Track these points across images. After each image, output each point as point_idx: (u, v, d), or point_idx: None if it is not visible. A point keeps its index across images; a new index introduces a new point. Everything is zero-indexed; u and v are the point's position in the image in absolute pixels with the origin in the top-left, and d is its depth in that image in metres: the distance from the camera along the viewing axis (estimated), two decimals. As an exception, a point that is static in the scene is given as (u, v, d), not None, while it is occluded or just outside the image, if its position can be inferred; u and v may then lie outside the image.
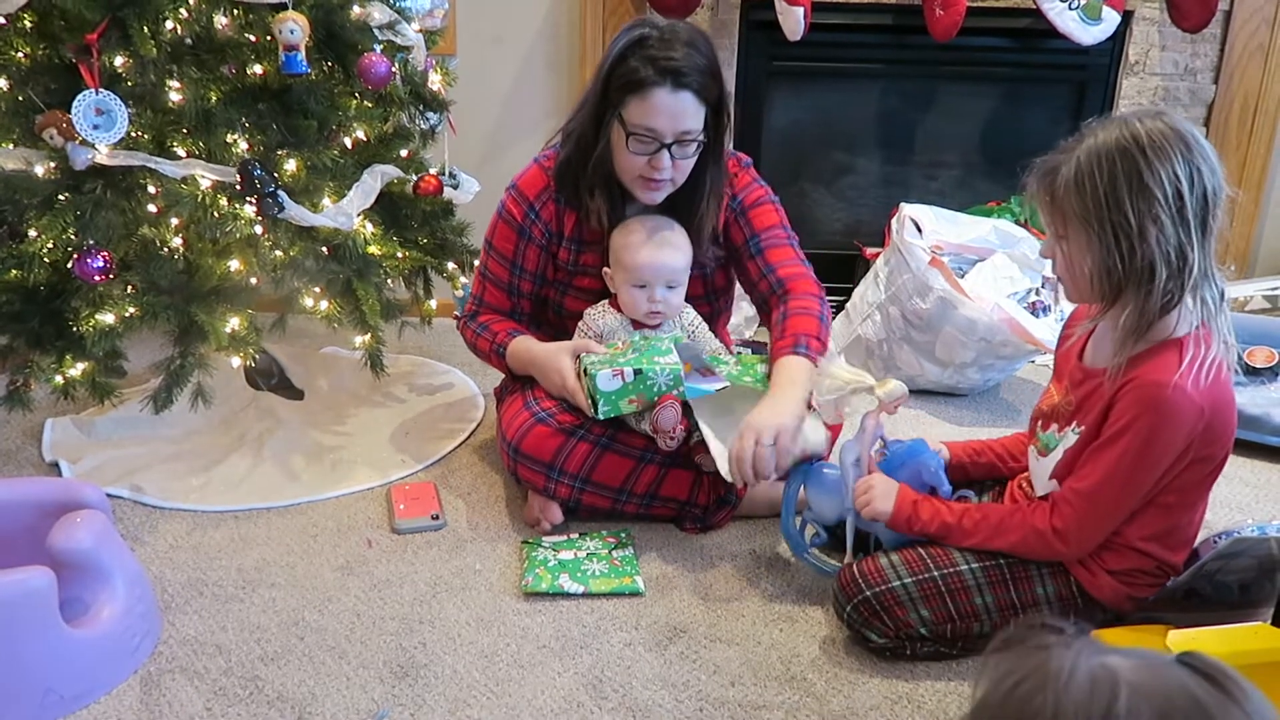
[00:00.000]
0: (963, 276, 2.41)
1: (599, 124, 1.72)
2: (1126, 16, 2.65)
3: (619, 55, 1.67)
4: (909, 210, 2.49)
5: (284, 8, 1.80)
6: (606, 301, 1.85)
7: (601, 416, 1.68)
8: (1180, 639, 1.26)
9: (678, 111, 1.66)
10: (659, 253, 1.75)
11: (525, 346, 1.83)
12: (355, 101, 2.01)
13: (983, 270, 2.45)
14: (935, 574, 1.46)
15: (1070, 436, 1.44)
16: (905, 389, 1.55)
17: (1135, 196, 1.28)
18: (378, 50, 1.95)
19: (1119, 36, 2.67)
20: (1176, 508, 1.41)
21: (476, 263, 1.96)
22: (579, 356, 1.74)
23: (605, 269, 1.82)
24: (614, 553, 1.73)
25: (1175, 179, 1.27)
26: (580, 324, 1.85)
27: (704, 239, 1.83)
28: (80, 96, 1.68)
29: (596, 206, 1.78)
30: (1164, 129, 1.29)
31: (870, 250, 2.77)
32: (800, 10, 2.48)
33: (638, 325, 1.82)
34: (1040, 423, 1.53)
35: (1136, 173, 1.28)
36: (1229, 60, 2.71)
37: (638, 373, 1.65)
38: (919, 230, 2.46)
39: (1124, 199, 1.28)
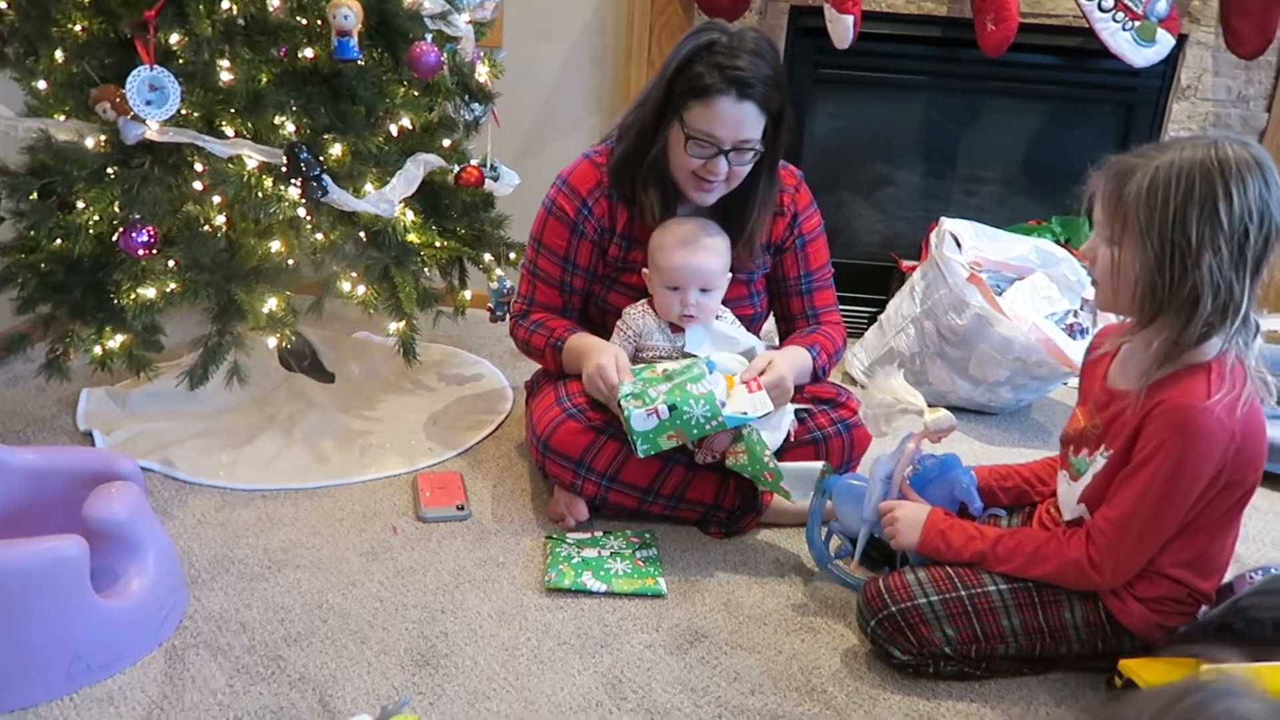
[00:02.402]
0: (1000, 294, 2.39)
1: (659, 123, 1.72)
2: (1180, 40, 2.62)
3: (686, 59, 1.67)
4: (949, 225, 2.47)
5: (338, -8, 1.80)
6: (645, 301, 1.84)
7: (642, 455, 1.64)
8: (1212, 675, 1.24)
9: (739, 121, 1.66)
10: (693, 256, 1.75)
11: (581, 343, 1.81)
12: (403, 90, 2.01)
13: (1021, 289, 2.43)
14: (962, 593, 1.45)
15: (1099, 461, 1.42)
16: (953, 421, 1.54)
17: (1203, 222, 1.26)
18: (428, 40, 1.96)
19: (1172, 60, 2.63)
20: (1207, 534, 1.40)
21: (523, 261, 1.96)
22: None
23: (644, 269, 1.82)
24: (638, 553, 1.73)
25: (1247, 213, 1.26)
26: (619, 322, 1.85)
27: (755, 247, 1.83)
28: (135, 72, 1.70)
29: (650, 203, 1.78)
30: (1249, 159, 1.27)
31: (907, 263, 2.75)
32: (850, 18, 2.47)
33: (675, 328, 1.82)
34: (1071, 447, 1.51)
35: (1212, 199, 1.25)
36: (1284, 89, 2.67)
37: (672, 408, 1.61)
38: (958, 245, 2.44)
39: (1191, 222, 1.26)
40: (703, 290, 1.77)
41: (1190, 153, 1.28)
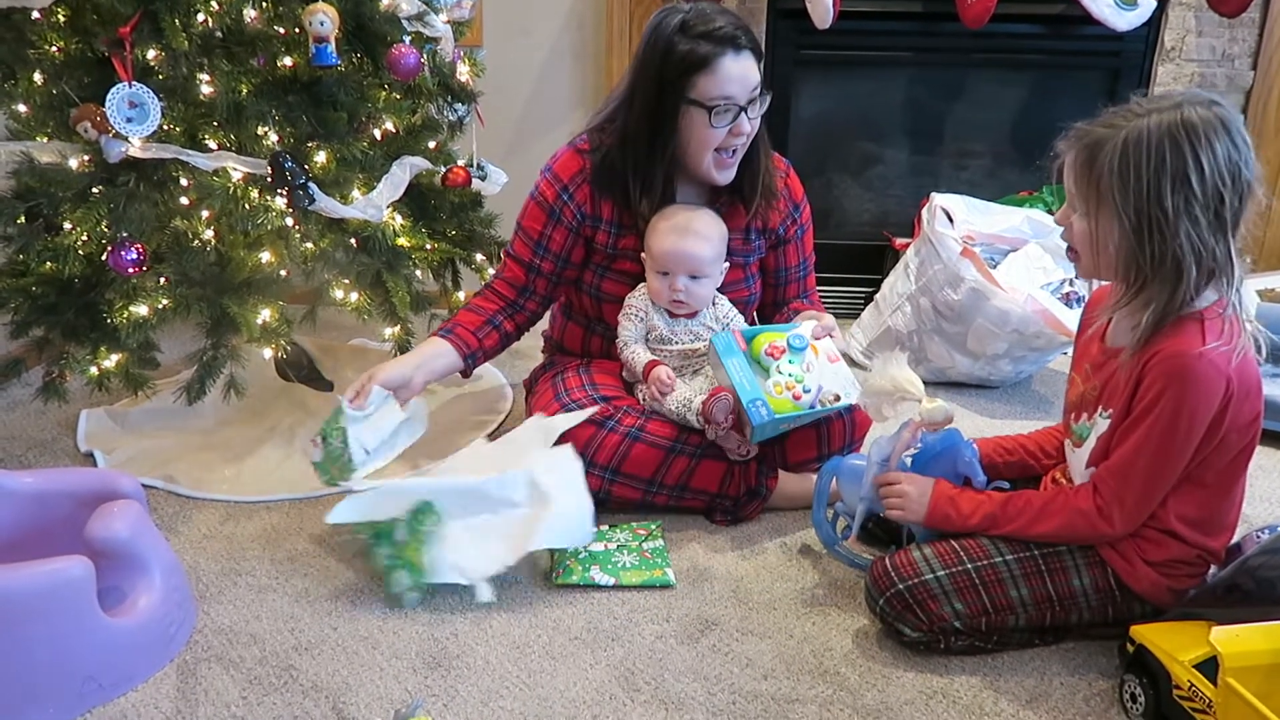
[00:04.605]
0: (995, 267, 2.39)
1: (660, 118, 1.72)
2: (1162, 2, 2.61)
3: (666, 46, 1.69)
4: (940, 200, 2.47)
5: (313, -1, 1.80)
6: (645, 284, 1.85)
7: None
8: (1223, 636, 1.25)
9: (745, 72, 1.70)
10: (683, 241, 1.76)
11: (421, 347, 1.85)
12: (384, 93, 2.01)
13: (1015, 261, 2.42)
14: (969, 566, 1.45)
15: (1100, 422, 1.42)
16: (949, 414, 1.54)
17: (1176, 193, 1.26)
18: (406, 42, 1.95)
19: (1154, 22, 2.63)
20: (1212, 490, 1.40)
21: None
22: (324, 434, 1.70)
23: (643, 253, 1.83)
24: (644, 545, 1.73)
25: (1219, 176, 1.25)
26: (625, 307, 1.85)
27: (773, 193, 1.86)
28: (114, 90, 1.69)
29: (645, 207, 1.80)
30: (1214, 121, 1.26)
31: (900, 241, 2.75)
32: (830, -2, 2.46)
33: (675, 314, 1.82)
34: (1072, 415, 1.51)
35: (1183, 167, 1.25)
36: (1268, 46, 2.67)
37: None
38: (950, 220, 2.43)
39: (1165, 193, 1.26)
40: (692, 277, 1.78)
41: (1157, 120, 1.27)
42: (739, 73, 1.69)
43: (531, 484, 1.63)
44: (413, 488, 1.64)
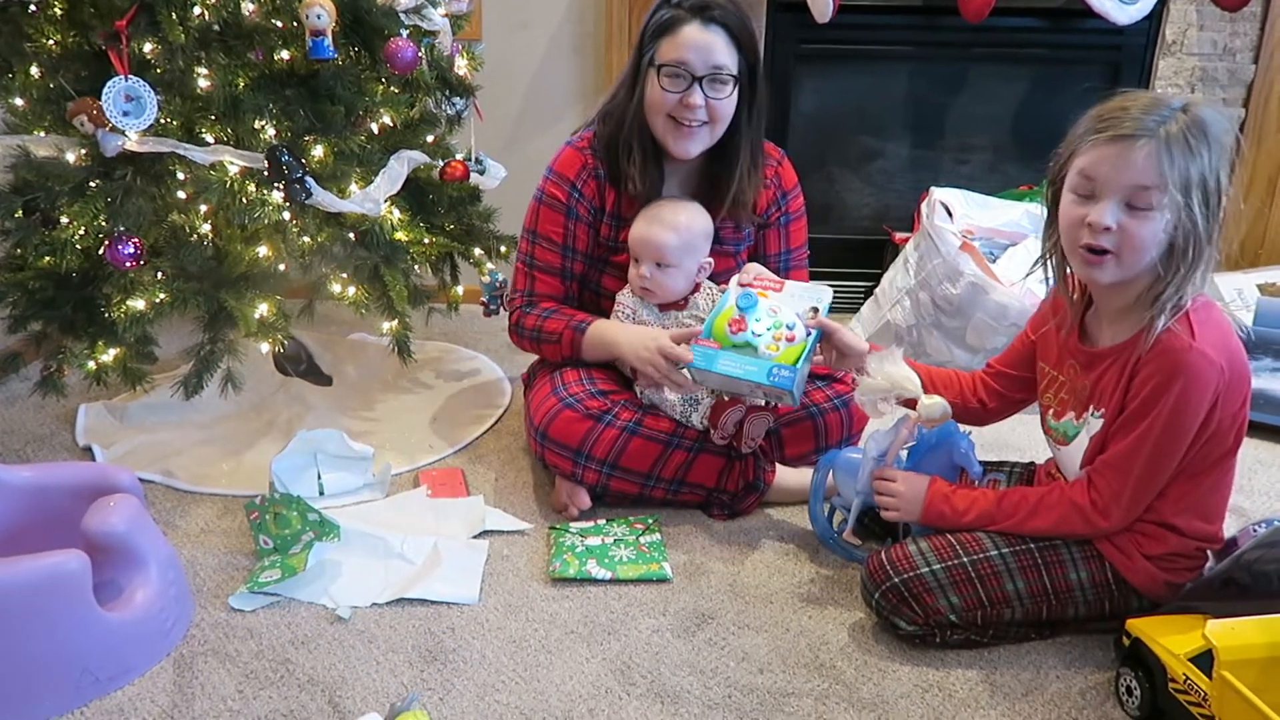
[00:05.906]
0: (994, 261, 2.38)
1: (635, 81, 1.75)
2: (1164, -5, 2.60)
3: (655, 8, 1.72)
4: (939, 194, 2.47)
5: (311, -8, 1.79)
6: None
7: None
8: (1219, 629, 1.25)
9: (707, 44, 1.69)
10: (649, 228, 1.78)
11: (603, 327, 1.81)
12: (382, 87, 2.00)
13: (1015, 255, 2.42)
14: (965, 560, 1.45)
15: (1093, 421, 1.43)
16: (947, 410, 1.53)
17: (1222, 174, 1.29)
18: (404, 35, 1.95)
19: (1155, 16, 2.62)
20: (1206, 474, 1.40)
21: (516, 257, 1.95)
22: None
23: None
24: (641, 539, 1.73)
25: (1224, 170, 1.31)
26: (616, 304, 1.86)
27: (745, 209, 1.84)
28: (110, 83, 1.69)
29: (633, 172, 1.79)
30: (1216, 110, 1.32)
31: (899, 235, 2.74)
32: (829, -9, 2.45)
33: (664, 308, 1.83)
34: (1051, 412, 1.51)
35: (1226, 157, 1.30)
36: (1269, 39, 2.66)
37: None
38: (949, 215, 2.43)
39: (1222, 175, 1.29)
40: (657, 265, 1.78)
41: (1206, 110, 1.30)
42: (699, 42, 1.68)
43: (433, 549, 1.68)
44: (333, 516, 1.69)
